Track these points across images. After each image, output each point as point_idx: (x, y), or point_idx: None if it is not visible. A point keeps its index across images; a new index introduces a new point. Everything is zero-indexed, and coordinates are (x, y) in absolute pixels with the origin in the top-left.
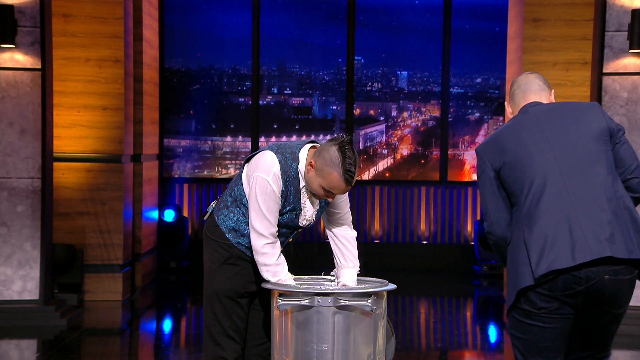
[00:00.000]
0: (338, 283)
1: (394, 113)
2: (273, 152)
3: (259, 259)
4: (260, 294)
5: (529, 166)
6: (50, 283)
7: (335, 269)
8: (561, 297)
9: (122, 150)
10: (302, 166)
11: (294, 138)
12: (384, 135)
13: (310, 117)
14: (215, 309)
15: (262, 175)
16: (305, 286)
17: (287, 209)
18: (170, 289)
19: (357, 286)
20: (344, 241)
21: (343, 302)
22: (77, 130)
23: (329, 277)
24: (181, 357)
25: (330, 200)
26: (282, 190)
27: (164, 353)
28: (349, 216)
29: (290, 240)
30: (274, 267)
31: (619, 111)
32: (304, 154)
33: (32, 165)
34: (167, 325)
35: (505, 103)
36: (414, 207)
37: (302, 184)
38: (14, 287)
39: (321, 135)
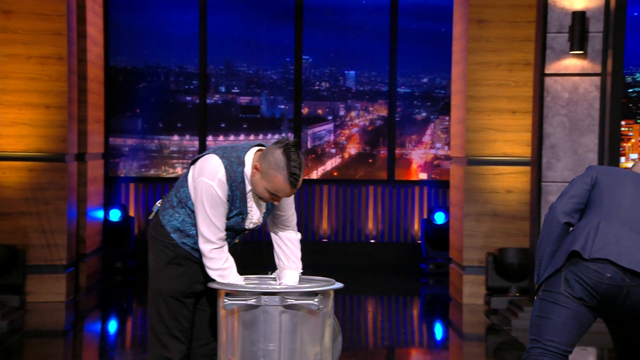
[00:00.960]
0: (279, 284)
1: (341, 112)
2: (218, 156)
3: (207, 263)
4: (206, 293)
5: (621, 191)
6: None
7: (277, 270)
8: (598, 294)
9: (66, 149)
10: (248, 170)
11: (241, 137)
12: (332, 134)
13: (258, 116)
14: (160, 309)
15: (207, 181)
16: (252, 286)
17: (234, 213)
18: (116, 289)
19: (303, 285)
20: (287, 242)
21: (290, 301)
22: (18, 128)
23: (274, 276)
24: (126, 358)
25: (276, 203)
26: (228, 195)
27: (108, 354)
28: (294, 219)
29: (237, 241)
30: (221, 271)
31: (560, 111)
32: (249, 157)
33: None
34: (112, 326)
35: None
36: (361, 206)
37: (249, 187)
38: None
39: (269, 135)
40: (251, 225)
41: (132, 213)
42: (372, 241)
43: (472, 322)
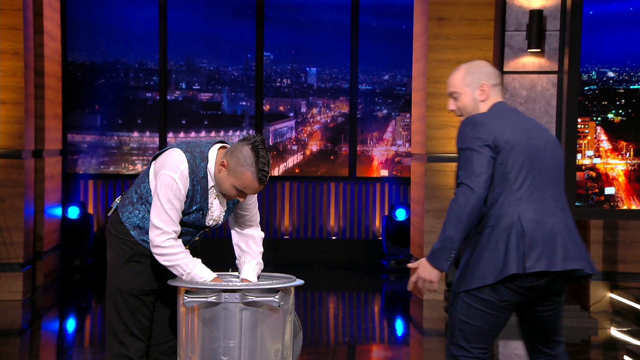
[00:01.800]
0: (239, 279)
1: (303, 109)
2: (182, 150)
3: (162, 251)
4: (165, 291)
5: (521, 153)
6: None
7: (237, 264)
8: (525, 292)
9: (23, 146)
10: (210, 166)
11: (202, 134)
12: (294, 131)
13: (219, 112)
14: (118, 307)
15: (169, 173)
16: (212, 283)
17: (194, 208)
18: (74, 287)
19: (264, 282)
20: (249, 240)
21: (250, 298)
22: None
23: (236, 273)
24: (85, 357)
25: (241, 200)
26: (188, 190)
27: (66, 353)
28: (257, 217)
29: (197, 238)
30: (182, 254)
31: (519, 108)
32: (213, 153)
33: None
34: (70, 324)
35: (486, 87)
36: (323, 202)
37: (211, 183)
38: None
39: (230, 132)
40: (211, 222)
41: (90, 210)
42: (334, 238)
43: (432, 317)
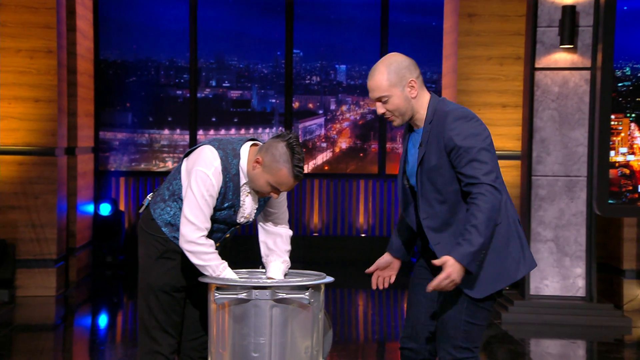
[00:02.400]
0: (266, 277)
1: (332, 106)
2: (214, 147)
3: (195, 248)
4: (196, 287)
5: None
6: None
7: (264, 262)
8: None
9: (56, 143)
10: (243, 163)
11: (232, 131)
12: (323, 128)
13: (249, 110)
14: (150, 303)
15: (203, 170)
16: (243, 279)
17: (226, 205)
18: (106, 283)
19: (294, 279)
20: (277, 237)
21: (280, 295)
22: (8, 122)
23: (266, 270)
24: (117, 353)
25: (275, 197)
26: (221, 187)
27: (98, 348)
28: (285, 216)
29: (228, 236)
30: (210, 255)
31: (551, 105)
32: (245, 150)
33: None
34: (102, 320)
35: (414, 82)
36: (352, 200)
37: (243, 181)
38: None
39: (260, 129)
40: (242, 220)
41: (122, 207)
42: (363, 235)
43: None
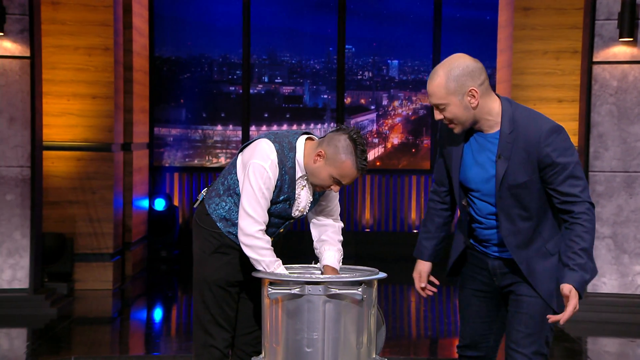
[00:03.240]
0: (320, 266)
1: (384, 102)
2: (270, 140)
3: (253, 242)
4: (250, 282)
5: None
6: (40, 272)
7: (317, 253)
8: None
9: (112, 139)
10: (299, 156)
11: (284, 127)
12: (375, 124)
13: (301, 106)
14: (205, 297)
15: (260, 162)
16: (296, 275)
17: (281, 198)
18: (161, 278)
19: (347, 274)
20: (328, 228)
21: (333, 291)
22: (66, 118)
23: (319, 265)
24: (171, 346)
25: (335, 190)
26: (277, 180)
27: (154, 342)
28: (337, 208)
29: (282, 230)
30: (266, 250)
31: (609, 100)
32: (300, 144)
33: (22, 154)
34: (157, 314)
35: (476, 91)
36: (404, 196)
37: (299, 174)
38: (4, 276)
39: (312, 124)
40: (297, 213)
41: (176, 202)
42: (415, 231)
43: None
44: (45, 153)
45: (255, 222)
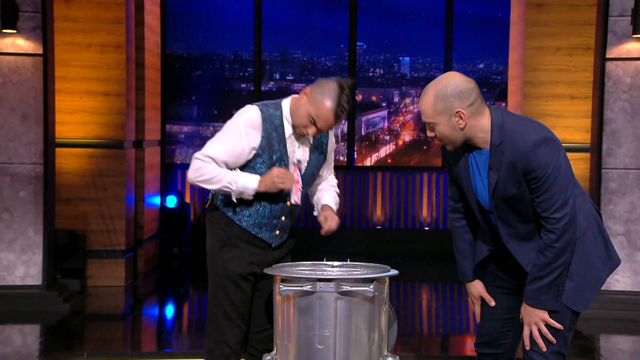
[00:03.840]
0: (319, 209)
1: (396, 99)
2: (255, 104)
3: (193, 164)
4: (264, 277)
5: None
6: (53, 268)
7: (315, 202)
8: None
9: (124, 136)
10: (286, 112)
11: None
12: (386, 121)
13: None
14: (217, 292)
15: (236, 118)
16: (307, 272)
17: (275, 158)
18: (173, 274)
19: (358, 272)
20: (323, 183)
21: (345, 288)
22: (79, 116)
23: (331, 262)
24: (183, 342)
25: (309, 133)
26: (262, 138)
27: (166, 338)
28: (332, 177)
29: (284, 219)
30: (210, 166)
31: (622, 97)
32: (287, 102)
33: (34, 151)
34: (169, 310)
35: (463, 113)
36: (416, 193)
37: (288, 132)
38: (17, 273)
39: None
40: (295, 199)
41: (187, 199)
42: (427, 228)
43: None
44: (58, 150)
45: (205, 156)
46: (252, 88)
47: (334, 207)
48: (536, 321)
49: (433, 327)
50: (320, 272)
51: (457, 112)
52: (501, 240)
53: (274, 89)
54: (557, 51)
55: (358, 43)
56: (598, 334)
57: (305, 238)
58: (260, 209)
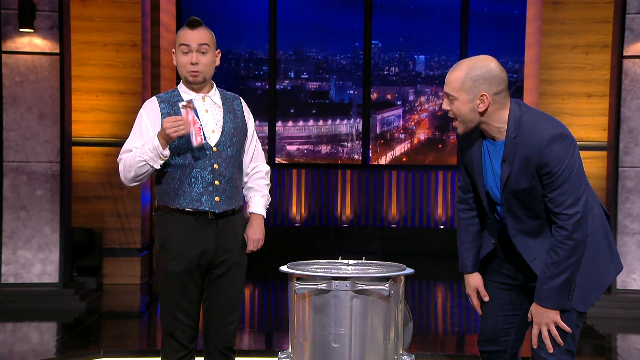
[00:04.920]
0: (249, 215)
1: (411, 97)
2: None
3: (120, 165)
4: (219, 263)
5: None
6: (70, 266)
7: (246, 199)
8: None
9: None
10: (182, 88)
11: (310, 123)
12: (401, 119)
13: (327, 101)
14: (162, 289)
15: (140, 112)
16: (323, 270)
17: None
18: None
19: (374, 270)
20: (256, 174)
21: (360, 286)
22: (95, 114)
23: (346, 261)
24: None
25: (193, 60)
26: (162, 114)
27: None
28: (260, 154)
29: (216, 166)
30: (127, 154)
31: (639, 94)
32: (180, 84)
33: (51, 150)
34: None
35: (487, 97)
36: (431, 191)
37: (188, 98)
38: (34, 270)
39: (338, 120)
40: (210, 139)
41: None
42: (442, 227)
43: None
44: (74, 149)
45: (120, 153)
46: (267, 87)
47: (263, 210)
48: (547, 322)
49: (448, 326)
50: (336, 271)
51: (481, 95)
52: (508, 234)
53: (289, 88)
54: (574, 49)
55: (373, 41)
56: (615, 333)
57: (322, 236)
58: (191, 181)
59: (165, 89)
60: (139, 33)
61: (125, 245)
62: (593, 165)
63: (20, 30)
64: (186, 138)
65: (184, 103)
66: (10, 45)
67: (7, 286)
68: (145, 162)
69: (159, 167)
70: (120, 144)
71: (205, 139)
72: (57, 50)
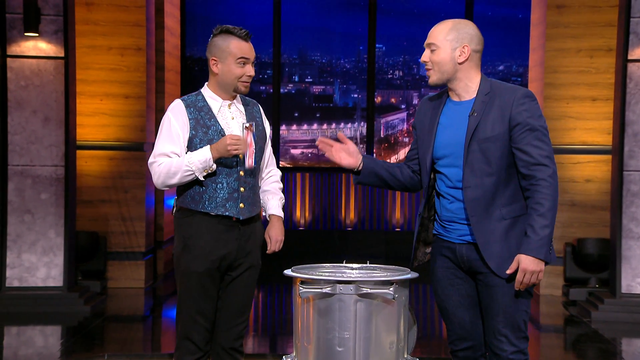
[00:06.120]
0: (268, 217)
1: (415, 101)
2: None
3: (153, 169)
4: (238, 266)
5: None
6: (74, 270)
7: (262, 204)
8: None
9: (144, 138)
10: (205, 90)
11: (314, 126)
12: (405, 123)
13: (331, 105)
14: (182, 290)
15: (165, 114)
16: (327, 274)
17: (210, 132)
18: None
19: (378, 274)
20: (270, 178)
21: (365, 290)
22: (99, 118)
23: (351, 265)
24: None
25: (250, 73)
26: (191, 120)
27: None
28: (272, 161)
29: (242, 190)
30: (170, 161)
31: None
32: (204, 88)
33: (56, 153)
34: None
35: (468, 49)
36: None
37: (215, 106)
38: (38, 274)
39: (342, 124)
40: (250, 162)
41: None
42: None
43: (549, 313)
44: (79, 152)
45: (151, 157)
46: (271, 90)
47: (280, 212)
48: (537, 271)
49: None
50: (340, 274)
51: (463, 47)
52: (445, 213)
53: (293, 91)
54: (578, 53)
55: (377, 45)
56: (620, 338)
57: (326, 240)
58: (217, 187)
59: (169, 92)
60: (143, 37)
61: (129, 249)
62: (597, 169)
63: (25, 34)
64: (237, 157)
65: (247, 125)
66: (15, 49)
67: (12, 290)
68: (192, 173)
69: (202, 179)
70: (124, 148)
71: (255, 163)
72: (62, 54)
